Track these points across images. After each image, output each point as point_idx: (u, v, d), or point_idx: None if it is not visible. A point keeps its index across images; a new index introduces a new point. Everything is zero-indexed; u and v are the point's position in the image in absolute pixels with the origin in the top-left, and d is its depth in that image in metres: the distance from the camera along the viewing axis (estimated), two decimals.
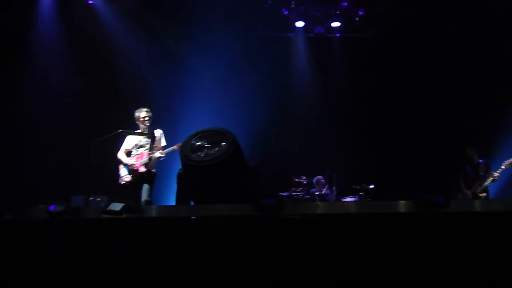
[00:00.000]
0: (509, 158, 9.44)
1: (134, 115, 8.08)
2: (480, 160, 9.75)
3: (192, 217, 4.07)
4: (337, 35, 12.92)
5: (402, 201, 3.74)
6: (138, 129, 8.03)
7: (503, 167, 9.37)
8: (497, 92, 11.48)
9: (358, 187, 10.99)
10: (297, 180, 11.20)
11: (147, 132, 7.94)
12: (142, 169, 7.83)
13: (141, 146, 7.98)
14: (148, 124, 7.94)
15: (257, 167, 5.54)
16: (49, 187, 9.22)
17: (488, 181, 9.45)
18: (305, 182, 11.22)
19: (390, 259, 3.51)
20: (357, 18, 12.44)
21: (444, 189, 9.72)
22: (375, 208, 4.04)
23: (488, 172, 9.60)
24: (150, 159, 7.80)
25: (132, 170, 7.85)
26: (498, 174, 9.37)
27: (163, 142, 8.16)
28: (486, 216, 3.68)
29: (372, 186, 10.91)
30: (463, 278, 3.41)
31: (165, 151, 7.90)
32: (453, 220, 3.63)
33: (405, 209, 3.71)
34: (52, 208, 4.01)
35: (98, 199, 9.07)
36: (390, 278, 3.46)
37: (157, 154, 7.84)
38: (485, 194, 9.47)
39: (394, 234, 3.60)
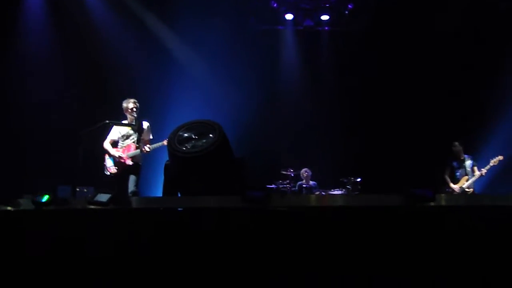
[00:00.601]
0: (495, 155, 9.58)
1: (122, 105, 8.05)
2: (465, 156, 9.82)
3: (179, 209, 4.06)
4: (326, 28, 12.91)
5: (391, 195, 3.75)
6: (126, 120, 8.00)
7: (491, 164, 9.47)
8: (484, 87, 11.57)
9: (345, 180, 11.01)
10: (284, 172, 11.21)
11: (133, 124, 7.92)
12: (129, 162, 7.81)
13: (128, 137, 7.95)
14: (135, 115, 7.92)
15: (244, 159, 5.52)
16: (36, 178, 9.18)
17: (476, 177, 9.52)
18: (292, 175, 11.23)
19: (377, 251, 3.52)
20: (346, 12, 12.43)
21: (431, 183, 9.82)
22: (362, 201, 4.04)
23: (473, 168, 9.69)
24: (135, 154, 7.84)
25: (118, 162, 7.83)
26: (485, 171, 9.48)
27: (150, 136, 8.15)
28: (473, 210, 3.69)
29: (359, 180, 10.93)
30: (451, 272, 3.42)
31: (152, 146, 7.89)
32: (440, 213, 3.64)
33: (394, 202, 3.71)
34: (38, 198, 3.98)
35: (85, 190, 9.05)
36: (377, 271, 3.47)
37: (145, 148, 7.83)
38: (471, 189, 9.55)
39: (381, 227, 3.60)
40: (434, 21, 12.00)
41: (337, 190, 11.00)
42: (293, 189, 11.20)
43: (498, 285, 3.38)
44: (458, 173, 9.72)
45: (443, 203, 3.72)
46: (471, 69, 11.77)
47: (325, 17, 12.54)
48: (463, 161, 9.75)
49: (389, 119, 12.11)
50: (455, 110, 11.74)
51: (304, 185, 11.37)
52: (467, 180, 9.57)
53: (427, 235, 3.53)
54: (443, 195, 3.81)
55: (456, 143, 9.84)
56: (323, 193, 11.02)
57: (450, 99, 11.82)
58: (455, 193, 9.48)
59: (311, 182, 11.46)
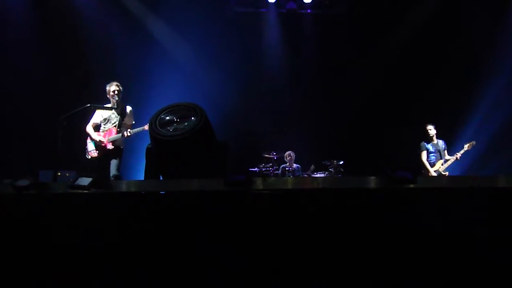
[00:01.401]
0: (468, 140, 9.74)
1: (105, 89, 8.01)
2: (438, 140, 9.91)
3: (161, 192, 4.05)
4: (309, 11, 12.87)
5: (372, 177, 3.77)
6: (109, 103, 7.96)
7: (465, 148, 9.59)
8: (461, 72, 11.70)
9: (328, 163, 11.08)
10: (266, 155, 11.24)
11: (116, 107, 7.88)
12: (110, 146, 7.80)
13: (109, 121, 7.93)
14: (117, 98, 7.89)
15: (226, 142, 5.52)
16: (18, 163, 9.12)
17: (451, 161, 9.62)
18: (275, 158, 11.27)
19: (360, 234, 3.54)
20: None
21: (413, 165, 9.92)
22: (342, 183, 4.06)
23: (444, 152, 9.80)
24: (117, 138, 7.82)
25: (99, 146, 7.81)
26: (460, 155, 9.59)
27: (132, 120, 8.13)
28: (456, 191, 3.72)
29: (341, 162, 11.00)
30: (430, 256, 3.46)
31: (133, 130, 7.87)
32: (420, 196, 3.67)
33: (374, 184, 3.73)
34: (18, 182, 3.95)
35: (67, 174, 9.02)
36: (359, 254, 3.50)
37: (126, 132, 7.81)
38: (447, 173, 9.65)
39: (361, 210, 3.63)
40: (414, 5, 12.10)
41: (319, 173, 11.07)
42: (276, 172, 11.24)
43: (480, 268, 3.42)
44: (433, 157, 9.79)
45: (423, 185, 3.74)
46: (449, 53, 11.87)
47: (307, 0, 12.49)
48: (437, 144, 9.83)
49: (371, 102, 12.17)
50: (434, 93, 11.84)
51: (287, 168, 11.42)
52: (442, 164, 9.66)
53: (407, 217, 3.57)
54: (423, 177, 3.86)
55: (431, 127, 9.88)
56: (305, 175, 11.09)
57: (429, 82, 11.91)
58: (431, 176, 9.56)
59: (294, 165, 11.51)
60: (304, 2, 12.57)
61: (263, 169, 11.19)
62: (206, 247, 3.59)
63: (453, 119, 11.28)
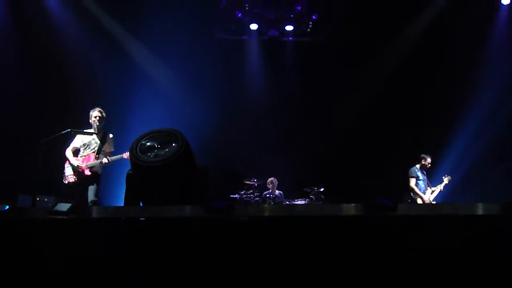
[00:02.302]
0: (445, 173, 9.92)
1: (88, 114, 8.01)
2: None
3: (141, 218, 4.02)
4: (290, 38, 12.98)
5: (352, 204, 3.77)
6: (91, 128, 7.94)
7: (445, 181, 9.76)
8: (444, 101, 11.85)
9: (308, 190, 11.08)
10: (247, 182, 11.22)
11: (96, 132, 7.87)
12: (87, 172, 7.75)
13: (89, 147, 7.90)
14: (98, 124, 7.88)
15: (207, 168, 5.50)
16: None
17: (437, 191, 9.75)
18: (256, 185, 11.24)
19: (339, 262, 3.54)
20: (310, 22, 12.54)
21: (393, 193, 9.98)
22: (323, 210, 4.06)
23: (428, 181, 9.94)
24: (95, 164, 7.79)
25: (77, 172, 7.76)
26: (442, 187, 9.75)
27: (112, 148, 8.11)
28: (436, 219, 3.74)
29: (322, 189, 11.01)
30: (412, 282, 3.46)
31: (112, 158, 7.86)
32: (401, 223, 3.68)
33: (354, 212, 3.74)
34: None
35: (46, 199, 8.93)
36: (338, 281, 3.49)
37: (104, 159, 7.78)
38: (434, 202, 9.72)
39: (341, 237, 3.63)
40: (398, 32, 12.25)
41: (300, 200, 11.07)
42: (256, 199, 11.21)
43: None
44: (422, 185, 9.86)
45: (404, 212, 3.76)
46: (433, 82, 12.03)
47: (289, 28, 12.60)
48: (425, 174, 9.94)
49: (353, 129, 12.25)
50: (417, 121, 11.96)
51: (268, 195, 11.39)
52: (431, 193, 9.76)
53: (388, 245, 3.57)
54: (404, 205, 3.88)
55: (428, 156, 9.98)
56: (287, 202, 11.09)
57: (412, 110, 12.03)
58: (421, 203, 9.60)
59: (277, 192, 11.49)
60: (286, 30, 12.67)
61: (244, 195, 11.15)
62: (186, 274, 3.55)
63: (435, 147, 11.36)
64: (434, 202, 9.71)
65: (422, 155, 10.00)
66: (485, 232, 3.57)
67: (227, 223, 3.70)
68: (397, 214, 3.62)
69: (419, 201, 9.63)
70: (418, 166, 9.99)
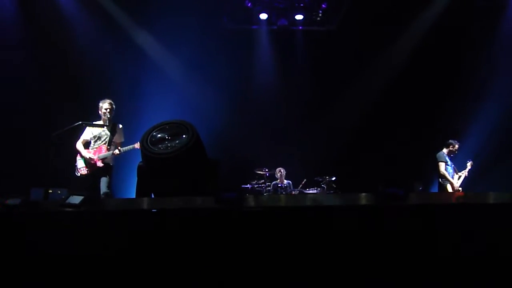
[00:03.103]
0: (469, 158, 9.81)
1: (98, 105, 8.03)
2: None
3: (153, 210, 4.04)
4: (300, 27, 12.94)
5: (362, 194, 3.77)
6: (100, 120, 7.97)
7: (469, 167, 9.68)
8: (463, 86, 11.76)
9: (320, 179, 11.08)
10: (259, 172, 11.24)
11: (107, 124, 7.90)
12: (100, 163, 7.78)
13: (99, 139, 7.93)
14: (108, 116, 7.90)
15: (218, 160, 5.51)
16: (9, 180, 9.05)
17: (463, 176, 9.70)
18: (267, 174, 11.26)
19: (351, 251, 3.54)
20: (320, 11, 12.48)
21: (405, 181, 9.92)
22: (333, 200, 4.06)
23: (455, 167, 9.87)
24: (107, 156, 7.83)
25: (89, 164, 7.79)
26: (467, 172, 9.68)
27: (122, 138, 8.13)
28: (447, 208, 3.73)
29: (334, 178, 11.00)
30: (422, 271, 3.46)
31: (123, 148, 7.88)
32: (412, 212, 3.67)
33: (365, 201, 3.73)
34: (8, 201, 3.93)
35: (59, 192, 8.98)
36: (349, 271, 3.49)
37: (116, 151, 7.81)
38: (460, 188, 9.69)
39: (354, 227, 3.63)
40: (407, 21, 12.16)
41: (312, 189, 11.07)
42: (268, 188, 11.23)
43: (468, 282, 3.43)
44: (451, 170, 9.80)
45: (414, 201, 3.75)
46: (445, 67, 11.93)
47: (299, 17, 12.56)
48: (452, 160, 9.88)
49: (364, 117, 12.23)
50: (430, 107, 11.90)
51: (279, 185, 11.40)
52: (458, 178, 9.72)
53: (398, 234, 3.57)
54: (415, 193, 3.88)
55: (456, 143, 9.90)
56: (297, 191, 11.10)
57: (424, 98, 11.96)
58: (451, 188, 9.58)
59: (285, 181, 11.50)
60: (296, 19, 12.63)
61: (256, 185, 11.18)
62: (196, 265, 3.57)
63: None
64: (460, 188, 9.63)
65: (450, 141, 9.90)
66: (496, 221, 3.55)
67: (237, 214, 3.71)
68: (408, 203, 3.61)
69: (449, 186, 9.56)
70: (446, 151, 9.88)
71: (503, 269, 3.42)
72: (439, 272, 3.44)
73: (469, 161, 9.96)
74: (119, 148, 7.88)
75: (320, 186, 11.08)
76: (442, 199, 4.15)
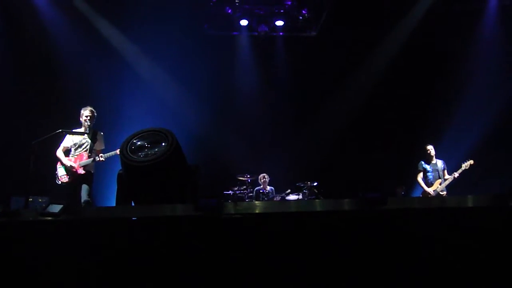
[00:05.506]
0: (466, 159, 9.77)
1: (79, 112, 7.99)
2: (437, 159, 9.93)
3: (133, 218, 4.03)
4: (281, 33, 12.96)
5: (343, 199, 3.79)
6: (81, 128, 7.92)
7: (463, 167, 9.63)
8: (444, 88, 11.85)
9: (301, 185, 11.08)
10: (240, 178, 11.22)
11: (87, 132, 7.85)
12: (81, 171, 7.72)
13: (80, 146, 7.88)
14: (89, 123, 7.85)
15: (198, 166, 5.51)
16: None
17: (449, 180, 9.65)
18: (249, 180, 11.25)
19: (331, 256, 3.55)
20: (300, 17, 12.52)
21: (386, 186, 9.96)
22: (314, 206, 4.07)
23: (444, 171, 9.84)
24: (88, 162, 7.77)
25: (70, 172, 7.73)
26: (458, 174, 9.62)
27: (103, 146, 8.08)
28: (426, 213, 3.77)
29: (315, 184, 11.01)
30: (402, 275, 3.48)
31: (105, 155, 7.82)
32: (392, 217, 3.70)
33: (346, 207, 3.76)
34: None
35: (40, 200, 8.92)
36: (330, 276, 3.50)
37: (97, 158, 7.76)
38: (444, 192, 9.66)
39: (333, 232, 3.64)
40: (387, 26, 12.25)
41: (293, 195, 11.07)
42: (250, 194, 11.21)
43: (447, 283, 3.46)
44: (431, 177, 9.80)
45: (394, 206, 3.78)
46: (426, 73, 12.03)
47: (279, 23, 12.57)
48: (435, 164, 9.85)
49: (345, 123, 12.28)
50: (411, 113, 11.98)
51: (261, 191, 11.38)
52: (440, 184, 9.70)
53: (379, 238, 3.59)
54: (394, 198, 3.89)
55: (431, 147, 9.92)
56: (279, 197, 11.10)
57: (406, 104, 12.04)
58: (430, 196, 9.57)
59: (268, 188, 11.49)
60: (276, 25, 12.65)
61: (237, 192, 11.15)
62: (177, 272, 3.56)
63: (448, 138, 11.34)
64: (442, 193, 9.63)
65: (426, 147, 9.94)
66: (475, 224, 3.59)
67: (217, 220, 3.71)
68: (387, 207, 3.64)
69: (430, 193, 9.60)
70: (425, 159, 9.93)
71: (480, 271, 3.45)
72: (419, 274, 3.47)
73: (465, 161, 9.81)
74: (101, 155, 7.82)
75: (302, 192, 11.08)
76: (420, 203, 4.17)
